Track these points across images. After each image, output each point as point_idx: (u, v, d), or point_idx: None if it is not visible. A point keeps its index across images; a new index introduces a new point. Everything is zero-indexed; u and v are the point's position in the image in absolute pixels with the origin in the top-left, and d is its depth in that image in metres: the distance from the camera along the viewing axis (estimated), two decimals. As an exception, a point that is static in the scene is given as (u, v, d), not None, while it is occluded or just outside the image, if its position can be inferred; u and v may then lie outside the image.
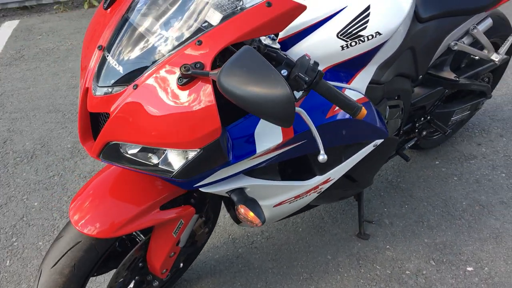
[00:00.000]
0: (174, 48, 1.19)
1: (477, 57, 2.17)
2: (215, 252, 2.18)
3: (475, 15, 1.94)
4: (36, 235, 2.27)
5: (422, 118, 2.24)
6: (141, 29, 1.25)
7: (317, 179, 1.58)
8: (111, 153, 1.29)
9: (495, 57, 2.07)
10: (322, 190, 1.68)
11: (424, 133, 2.31)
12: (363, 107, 1.19)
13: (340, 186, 1.78)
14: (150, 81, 1.17)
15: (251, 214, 1.40)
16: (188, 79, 1.11)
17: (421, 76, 1.87)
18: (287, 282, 2.04)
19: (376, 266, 2.09)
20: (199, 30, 1.19)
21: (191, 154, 1.20)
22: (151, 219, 1.44)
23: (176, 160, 1.24)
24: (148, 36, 1.24)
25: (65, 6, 5.20)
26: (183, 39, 1.19)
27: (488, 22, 2.06)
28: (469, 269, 2.05)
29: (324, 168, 1.59)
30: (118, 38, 1.27)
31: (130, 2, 1.35)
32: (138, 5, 1.31)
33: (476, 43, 2.07)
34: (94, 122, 1.38)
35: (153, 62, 1.19)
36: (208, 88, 1.11)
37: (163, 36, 1.22)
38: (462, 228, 2.25)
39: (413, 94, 2.02)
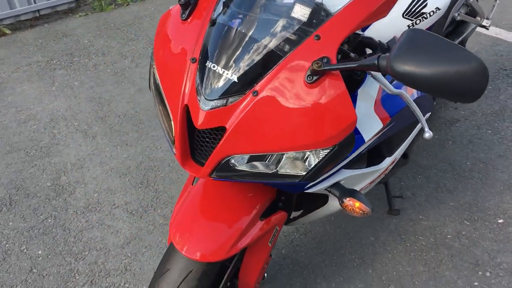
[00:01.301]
0: (289, 48, 1.14)
1: (470, 25, 2.34)
2: (261, 259, 2.11)
3: None
4: (57, 285, 2.03)
5: None
6: (245, 33, 1.18)
7: (387, 161, 1.60)
8: (225, 168, 1.21)
9: (486, 23, 2.26)
10: (388, 171, 1.70)
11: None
12: None
13: (397, 165, 1.82)
14: (273, 85, 1.11)
15: (358, 204, 1.38)
16: (318, 76, 1.08)
17: None
18: (344, 271, 2.04)
19: (418, 237, 2.16)
20: (310, 24, 1.15)
21: (322, 152, 1.15)
22: (257, 231, 1.37)
23: (298, 163, 1.19)
24: (255, 40, 1.17)
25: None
26: (296, 38, 1.15)
27: None
28: (500, 221, 2.21)
29: (392, 149, 1.62)
30: (220, 47, 1.18)
31: (213, 9, 1.26)
32: (230, 10, 1.24)
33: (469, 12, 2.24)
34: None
35: (268, 66, 1.13)
36: (340, 81, 1.09)
37: (273, 38, 1.16)
38: (477, 186, 2.41)
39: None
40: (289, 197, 1.52)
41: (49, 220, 2.37)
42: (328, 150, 1.14)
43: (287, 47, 1.14)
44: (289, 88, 1.11)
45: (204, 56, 1.19)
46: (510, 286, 1.93)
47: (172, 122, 1.25)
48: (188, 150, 1.26)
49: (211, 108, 1.15)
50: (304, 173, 1.18)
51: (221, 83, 1.15)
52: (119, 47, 4.05)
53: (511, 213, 2.23)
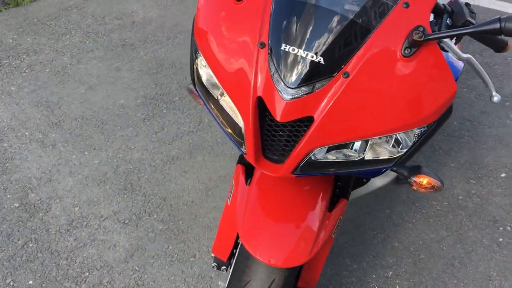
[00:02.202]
0: (377, 19, 1.03)
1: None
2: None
3: None
4: (64, 318, 1.78)
5: None
6: (324, 8, 1.05)
7: None
8: (309, 163, 1.08)
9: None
10: None
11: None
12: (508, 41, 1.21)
13: None
14: (365, 63, 1.00)
15: (427, 179, 1.32)
16: (416, 48, 0.98)
17: None
18: (371, 248, 1.99)
19: (432, 202, 2.17)
20: None
21: (417, 131, 1.07)
22: (330, 225, 1.26)
23: (384, 145, 1.09)
24: (338, 14, 1.04)
25: None
26: (382, 7, 1.04)
27: None
28: (503, 175, 2.27)
29: None
30: (296, 26, 1.04)
31: None
32: None
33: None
34: None
35: (357, 42, 1.01)
36: (438, 50, 1.01)
37: (357, 10, 1.04)
38: (470, 144, 2.46)
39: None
40: (346, 183, 1.42)
41: (30, 245, 2.08)
42: (426, 128, 1.05)
43: (374, 19, 1.03)
44: (383, 65, 1.00)
45: (276, 39, 1.04)
46: (532, 236, 1.99)
47: (239, 118, 1.10)
48: (260, 148, 1.11)
49: (294, 98, 1.01)
50: (399, 156, 1.09)
51: (304, 67, 1.01)
52: (51, 44, 3.66)
53: (510, 166, 2.31)
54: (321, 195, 1.28)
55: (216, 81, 1.13)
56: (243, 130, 1.10)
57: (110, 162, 2.49)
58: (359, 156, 1.09)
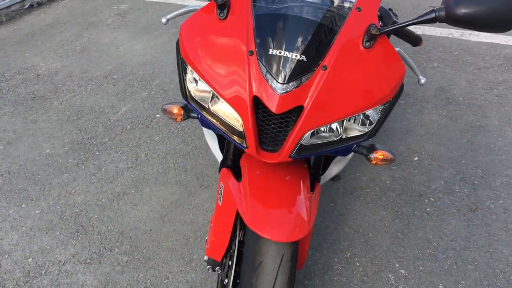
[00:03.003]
0: (340, 22, 1.30)
1: None
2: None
3: None
4: None
5: None
6: (297, 17, 1.30)
7: None
8: (302, 146, 1.29)
9: None
10: None
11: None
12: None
13: None
14: (337, 57, 1.25)
15: (382, 154, 1.58)
16: (373, 40, 1.27)
17: None
18: (326, 237, 2.22)
19: (366, 190, 2.48)
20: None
21: (380, 107, 1.32)
22: (315, 204, 1.47)
23: (354, 124, 1.34)
24: (309, 20, 1.30)
25: None
26: (341, 12, 1.32)
27: None
28: (415, 159, 2.67)
29: None
30: (278, 33, 1.27)
31: (250, 4, 1.33)
32: (272, 1, 1.34)
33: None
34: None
35: (328, 41, 1.27)
36: (388, 41, 1.30)
37: (323, 16, 1.31)
38: (383, 138, 2.85)
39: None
40: (317, 169, 1.64)
41: (-9, 304, 1.99)
42: (387, 104, 1.32)
43: (337, 22, 1.30)
44: (351, 57, 1.26)
45: (263, 46, 1.25)
46: (440, 203, 2.37)
47: (237, 119, 1.28)
48: (258, 141, 1.30)
49: (286, 91, 1.22)
50: (369, 130, 1.34)
51: (291, 65, 1.23)
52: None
53: (419, 150, 2.72)
54: (301, 181, 1.49)
55: (210, 89, 1.31)
56: (242, 128, 1.28)
57: (53, 210, 2.47)
58: (338, 135, 1.32)
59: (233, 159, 1.59)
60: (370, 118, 1.33)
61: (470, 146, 2.73)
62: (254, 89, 1.24)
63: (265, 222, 1.34)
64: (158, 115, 3.18)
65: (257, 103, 1.26)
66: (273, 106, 1.23)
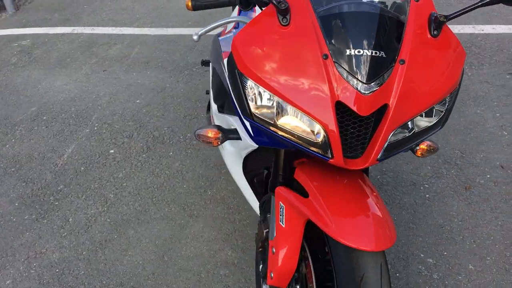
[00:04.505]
0: (404, 13, 1.29)
1: None
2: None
3: None
4: None
5: None
6: (364, 13, 1.25)
7: None
8: (387, 147, 1.24)
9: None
10: None
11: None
12: None
13: None
14: (412, 48, 1.23)
15: (428, 144, 1.58)
16: (440, 28, 1.28)
17: None
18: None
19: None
20: None
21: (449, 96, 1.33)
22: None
23: (422, 119, 1.33)
24: (377, 15, 1.25)
25: None
26: (401, 2, 1.30)
27: None
28: (395, 149, 2.74)
29: None
30: (352, 32, 1.21)
31: (311, 6, 1.25)
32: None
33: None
34: None
35: (398, 34, 1.24)
36: (448, 27, 1.32)
37: (386, 10, 1.28)
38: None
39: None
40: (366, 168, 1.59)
41: None
42: (455, 91, 1.33)
43: (402, 13, 1.28)
44: (423, 48, 1.25)
45: (337, 48, 1.19)
46: (436, 188, 2.46)
47: (314, 128, 1.21)
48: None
49: (371, 91, 1.17)
50: (441, 120, 1.32)
51: (371, 63, 1.18)
52: None
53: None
54: (364, 184, 1.42)
55: (275, 103, 1.22)
56: (326, 138, 1.19)
57: (27, 276, 2.14)
58: (411, 130, 1.29)
59: (284, 176, 1.49)
60: (434, 108, 1.32)
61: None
62: (336, 94, 1.17)
63: (356, 233, 1.26)
64: (112, 151, 2.93)
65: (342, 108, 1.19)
66: (360, 108, 1.16)
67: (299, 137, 1.25)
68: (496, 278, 1.99)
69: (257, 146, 1.48)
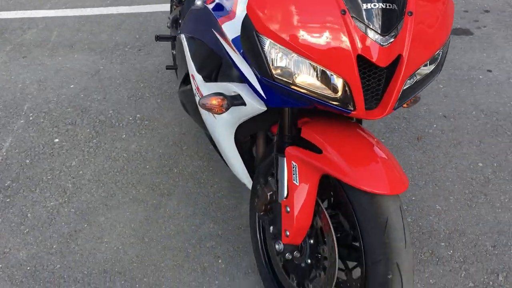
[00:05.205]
0: None
1: None
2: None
3: None
4: None
5: None
6: None
7: None
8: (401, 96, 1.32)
9: None
10: None
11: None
12: None
13: None
14: (415, 1, 1.29)
15: None
16: None
17: None
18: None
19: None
20: None
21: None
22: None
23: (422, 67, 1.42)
24: None
25: None
26: None
27: None
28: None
29: None
30: None
31: None
32: None
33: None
34: None
35: None
36: None
37: None
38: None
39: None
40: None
41: None
42: (449, 38, 1.43)
43: None
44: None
45: (353, 3, 1.22)
46: (392, 141, 2.63)
47: (343, 83, 1.25)
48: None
49: (389, 43, 1.23)
50: (438, 64, 1.42)
51: (387, 16, 1.24)
52: None
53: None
54: (366, 133, 1.50)
55: (291, 61, 1.25)
56: (348, 91, 1.25)
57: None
58: (414, 78, 1.38)
59: (290, 136, 1.52)
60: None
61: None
62: (357, 47, 1.22)
63: (374, 178, 1.33)
64: (56, 140, 2.77)
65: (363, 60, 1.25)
66: (380, 60, 1.23)
67: (318, 94, 1.29)
68: (462, 214, 2.20)
69: (264, 109, 1.49)
